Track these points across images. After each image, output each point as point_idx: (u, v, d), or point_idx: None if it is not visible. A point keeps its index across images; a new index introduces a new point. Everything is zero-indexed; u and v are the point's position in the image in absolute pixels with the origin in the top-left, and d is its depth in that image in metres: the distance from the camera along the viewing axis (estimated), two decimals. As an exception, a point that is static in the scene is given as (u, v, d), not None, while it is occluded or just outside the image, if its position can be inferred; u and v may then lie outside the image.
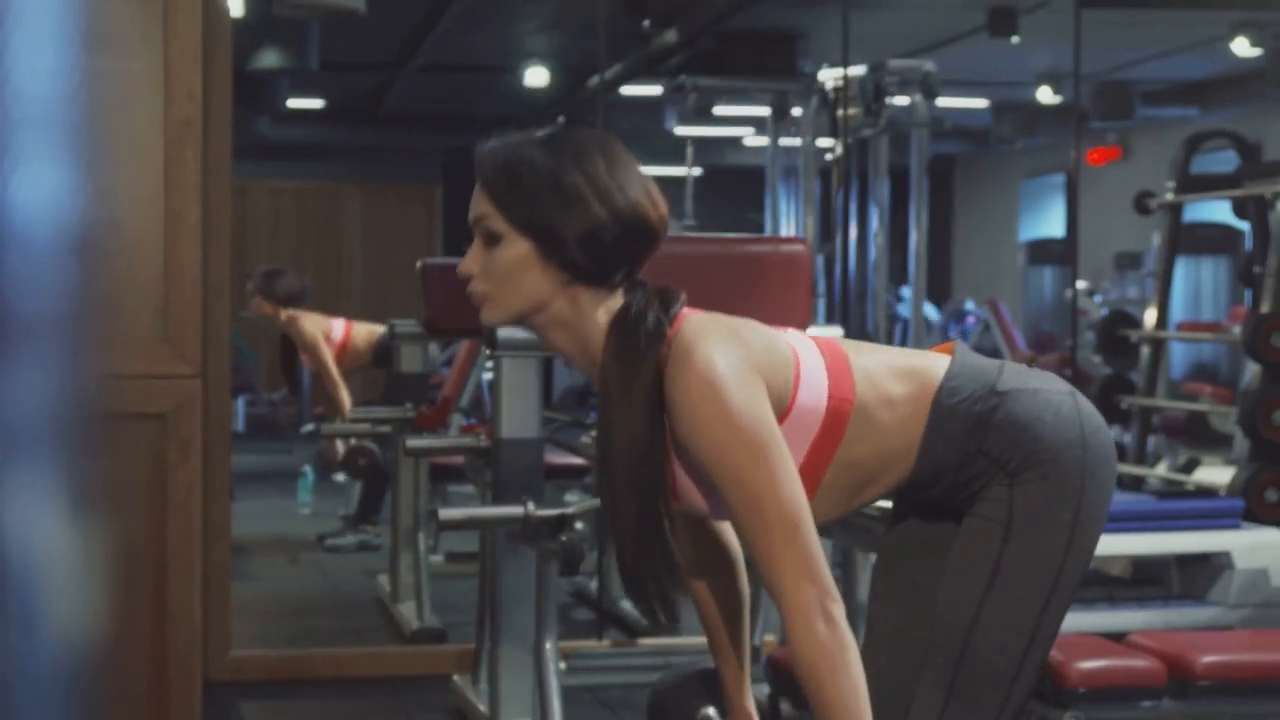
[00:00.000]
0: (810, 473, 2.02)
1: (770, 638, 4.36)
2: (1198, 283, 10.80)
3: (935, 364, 2.09)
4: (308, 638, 5.37)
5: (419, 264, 5.16)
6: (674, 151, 11.98)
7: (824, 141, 9.01)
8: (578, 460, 6.07)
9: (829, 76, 8.41)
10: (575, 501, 4.94)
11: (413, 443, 4.58)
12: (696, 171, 11.64)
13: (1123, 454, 7.62)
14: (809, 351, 2.04)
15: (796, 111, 9.24)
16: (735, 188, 13.22)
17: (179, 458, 3.52)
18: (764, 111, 9.69)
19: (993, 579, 2.03)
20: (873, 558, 4.59)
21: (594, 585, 5.77)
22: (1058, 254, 13.16)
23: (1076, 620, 4.76)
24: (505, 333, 3.79)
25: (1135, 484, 6.99)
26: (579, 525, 3.59)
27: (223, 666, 4.73)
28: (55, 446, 0.71)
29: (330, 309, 11.54)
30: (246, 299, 7.23)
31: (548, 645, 3.65)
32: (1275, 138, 11.22)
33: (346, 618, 5.84)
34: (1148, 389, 7.36)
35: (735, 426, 1.90)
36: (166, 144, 3.51)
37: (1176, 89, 12.05)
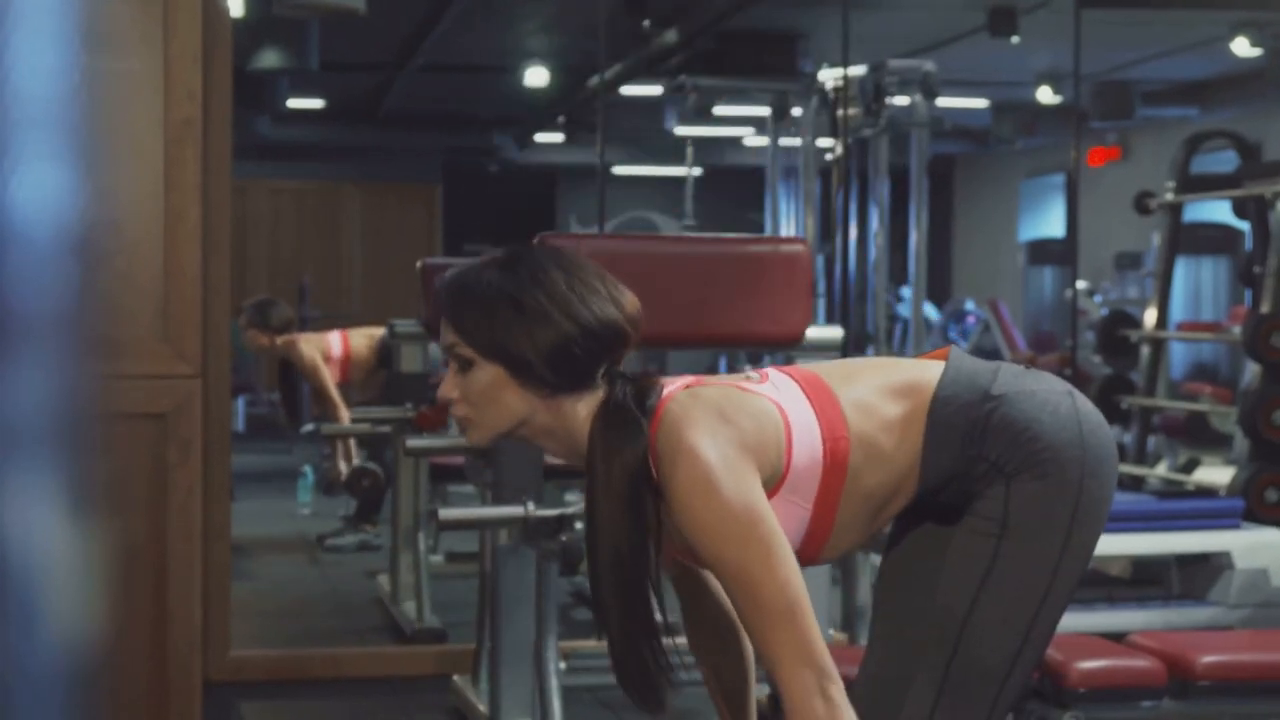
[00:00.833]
0: (823, 518, 2.04)
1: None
2: (1198, 283, 10.80)
3: (928, 375, 2.09)
4: (308, 638, 5.37)
5: (419, 264, 5.16)
6: (674, 151, 11.98)
7: (824, 141, 9.01)
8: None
9: (829, 76, 8.41)
10: (575, 501, 4.94)
11: (413, 443, 4.58)
12: (696, 171, 11.64)
13: (1123, 454, 7.62)
14: (795, 401, 2.03)
15: (796, 111, 9.24)
16: (735, 188, 13.22)
17: (179, 458, 3.52)
18: (764, 111, 9.69)
19: (987, 576, 2.04)
20: (874, 558, 4.59)
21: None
22: (1058, 254, 13.16)
23: (1076, 620, 4.76)
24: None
25: (1135, 484, 6.98)
26: (579, 525, 3.59)
27: (223, 666, 4.73)
28: (55, 446, 0.71)
29: (330, 309, 11.58)
30: (240, 330, 7.15)
31: (548, 645, 3.65)
32: (1275, 138, 11.22)
33: (346, 618, 5.84)
34: (1148, 389, 7.37)
35: (728, 518, 1.91)
36: (166, 144, 3.51)
37: (1176, 89, 12.05)
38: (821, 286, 8.85)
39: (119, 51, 3.44)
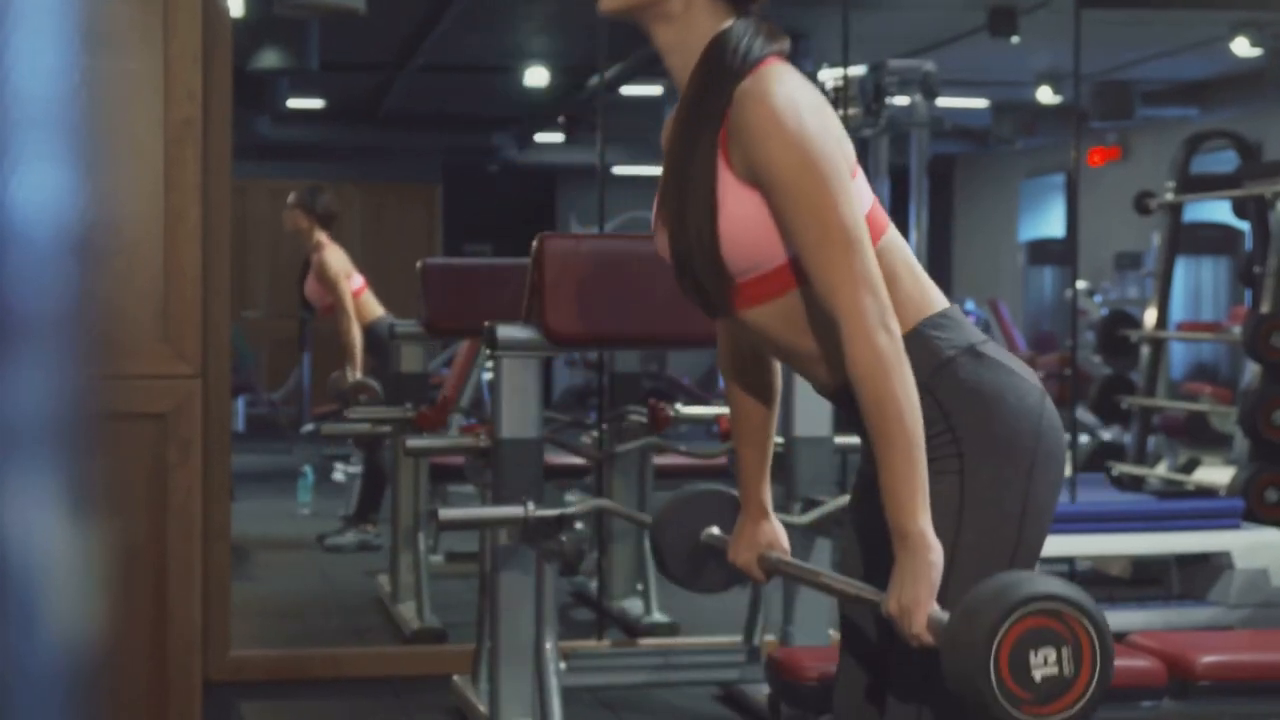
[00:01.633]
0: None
1: (771, 638, 4.36)
2: (1198, 283, 10.80)
3: (938, 299, 2.13)
4: (308, 638, 5.37)
5: (419, 264, 5.16)
6: (674, 151, 11.96)
7: (824, 141, 8.99)
8: (578, 460, 6.07)
9: (829, 76, 8.40)
10: (575, 501, 4.94)
11: (413, 443, 4.58)
12: (696, 171, 11.62)
13: (1123, 454, 7.62)
14: (862, 182, 2.10)
15: (796, 111, 9.22)
16: (735, 188, 13.20)
17: (179, 458, 3.52)
18: (764, 111, 9.67)
19: (947, 576, 2.03)
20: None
21: (594, 585, 5.77)
22: (1058, 254, 13.17)
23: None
24: (505, 333, 3.79)
25: (1135, 484, 6.98)
26: (579, 525, 3.59)
27: (223, 666, 4.73)
28: (55, 446, 0.71)
29: (330, 309, 11.56)
30: (285, 210, 7.06)
31: (548, 645, 3.65)
32: (1275, 138, 11.22)
33: (346, 618, 5.84)
34: (1148, 389, 7.36)
35: (808, 146, 1.98)
36: (166, 144, 3.51)
37: (1176, 89, 12.04)
38: (821, 286, 8.83)
39: (119, 51, 3.44)
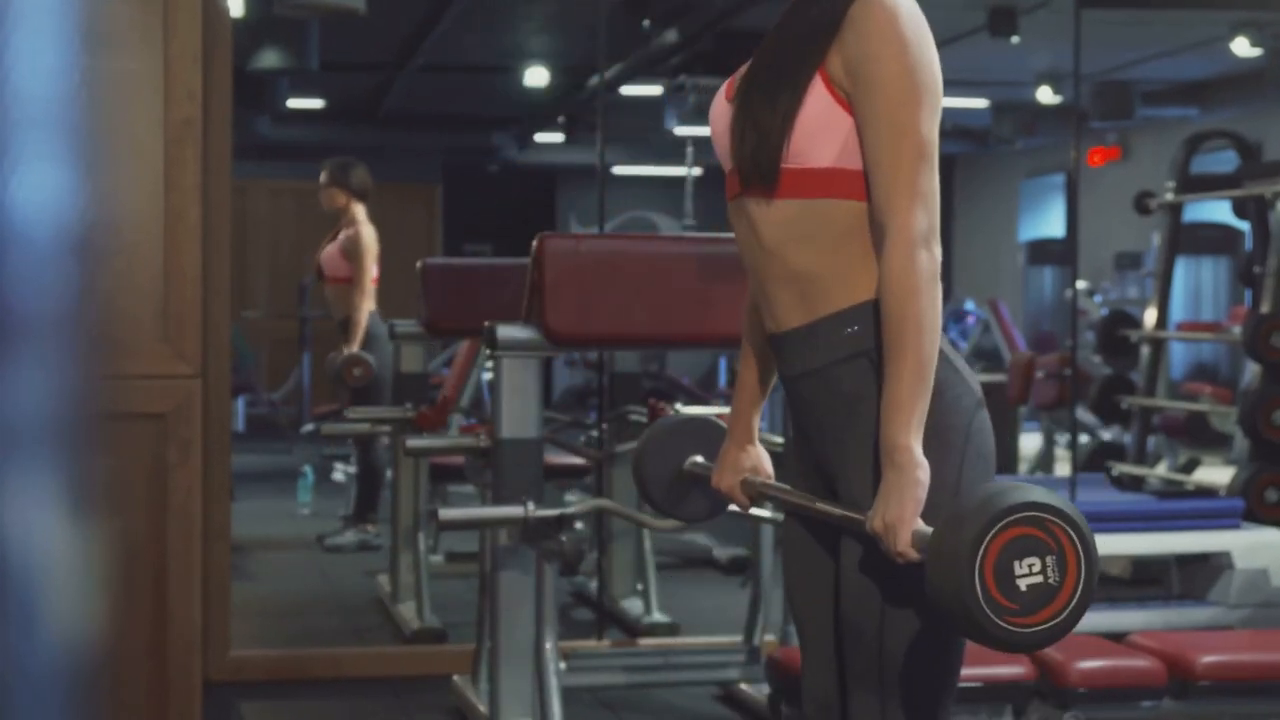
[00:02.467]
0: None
1: (770, 638, 4.36)
2: (1198, 283, 10.80)
3: None
4: (308, 638, 5.37)
5: (419, 264, 5.16)
6: (674, 151, 11.97)
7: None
8: (578, 460, 6.07)
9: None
10: (575, 501, 4.94)
11: (413, 443, 4.58)
12: (696, 171, 11.64)
13: (1123, 454, 7.62)
14: None
15: (797, 111, 9.22)
16: (735, 188, 13.19)
17: (179, 458, 3.52)
18: (764, 111, 9.66)
19: (887, 580, 2.04)
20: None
21: (594, 585, 5.77)
22: (1058, 254, 13.16)
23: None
24: (505, 333, 3.79)
25: (1135, 484, 6.98)
26: (579, 525, 3.60)
27: (223, 666, 4.73)
28: (55, 446, 0.71)
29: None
30: (320, 190, 7.04)
31: (548, 645, 3.65)
32: (1275, 138, 11.22)
33: (346, 618, 5.84)
34: (1148, 389, 7.36)
35: (917, 58, 2.04)
36: (166, 144, 3.51)
37: (1176, 89, 12.04)
38: (821, 286, 8.83)
39: (119, 51, 3.44)
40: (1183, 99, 12.04)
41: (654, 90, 10.71)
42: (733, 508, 2.46)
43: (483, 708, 4.16)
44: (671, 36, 8.97)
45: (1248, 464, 6.08)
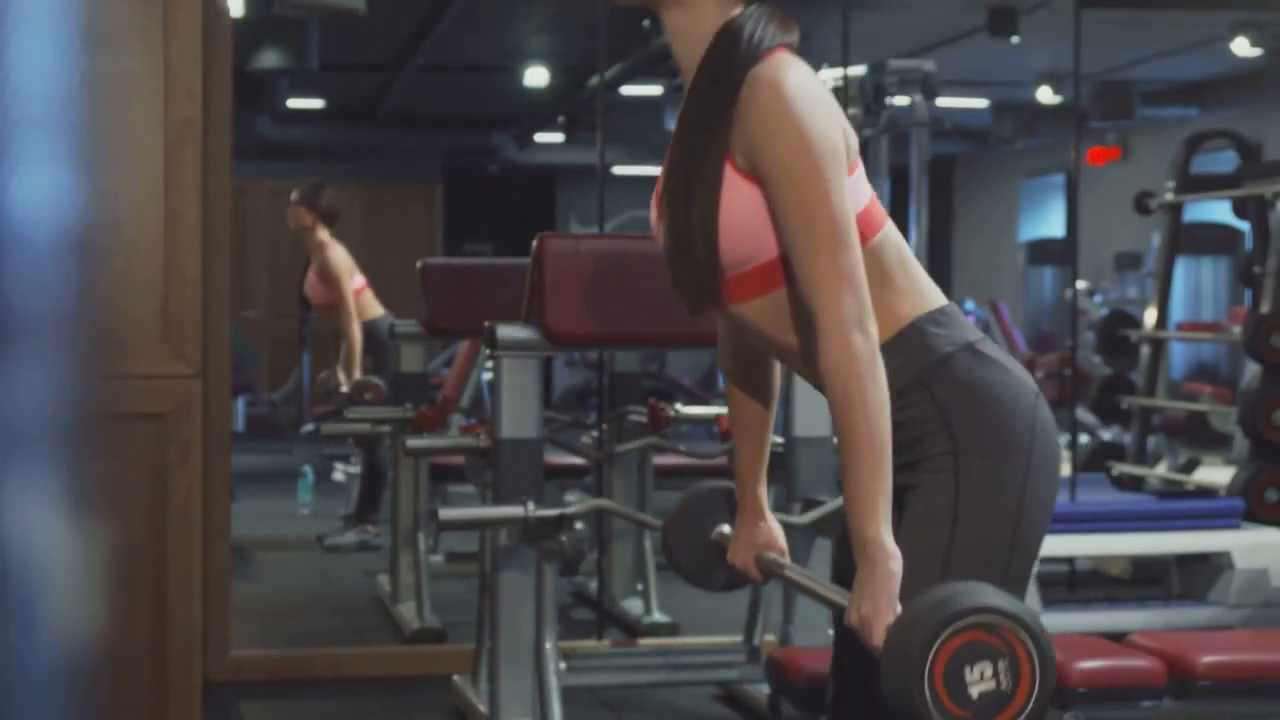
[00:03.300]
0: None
1: (770, 638, 4.36)
2: (1198, 283, 10.80)
3: (936, 294, 2.12)
4: (308, 638, 5.37)
5: (419, 264, 5.16)
6: (674, 151, 11.96)
7: (824, 141, 8.99)
8: (578, 460, 6.07)
9: (829, 76, 8.40)
10: (575, 501, 4.94)
11: (413, 443, 4.58)
12: (696, 171, 11.63)
13: (1123, 454, 7.62)
14: (861, 178, 2.09)
15: (796, 111, 9.22)
16: (735, 188, 13.19)
17: (179, 458, 3.52)
18: (764, 111, 9.66)
19: (944, 571, 2.02)
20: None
21: (594, 585, 5.77)
22: (1058, 254, 13.16)
23: (1077, 620, 4.76)
24: (505, 333, 3.79)
25: (1135, 484, 6.98)
26: (579, 525, 3.59)
27: (223, 666, 4.73)
28: (55, 446, 0.71)
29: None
30: (289, 208, 7.06)
31: (548, 645, 3.65)
32: (1275, 138, 11.22)
33: (346, 618, 5.84)
34: (1148, 389, 7.36)
35: (810, 135, 1.97)
36: (166, 144, 3.51)
37: (1176, 89, 12.04)
38: (821, 286, 8.83)
39: (119, 51, 3.44)
40: (1183, 99, 12.04)
41: (654, 90, 10.71)
42: None
43: (483, 708, 4.16)
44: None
45: (1248, 464, 6.08)
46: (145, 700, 3.49)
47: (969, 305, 13.19)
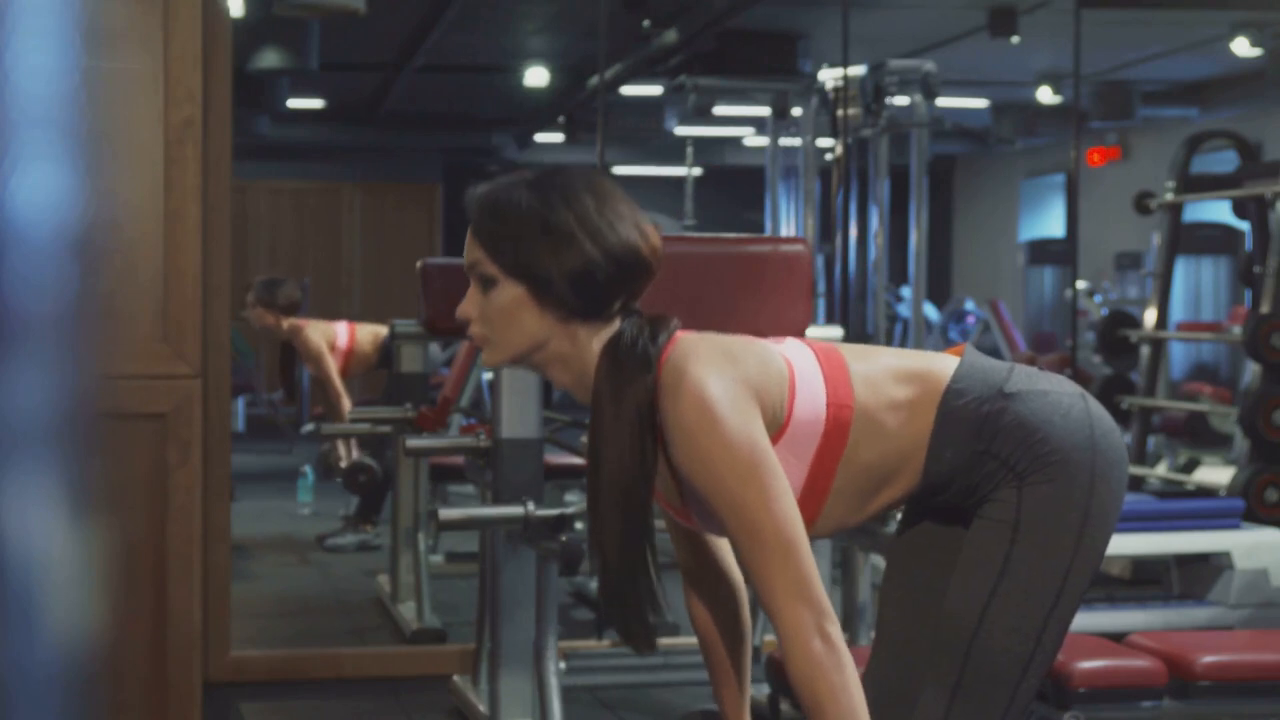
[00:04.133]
0: (818, 481, 2.04)
1: (770, 638, 4.36)
2: (1198, 283, 10.80)
3: (941, 366, 2.09)
4: (308, 638, 5.37)
5: (419, 264, 5.16)
6: (674, 151, 11.98)
7: (824, 141, 9.01)
8: (578, 460, 6.07)
9: (829, 76, 8.41)
10: (575, 501, 4.94)
11: (413, 443, 4.58)
12: (696, 171, 11.65)
13: (1123, 454, 7.62)
14: (805, 361, 2.05)
15: (796, 111, 9.24)
16: (735, 188, 13.22)
17: (179, 458, 3.52)
18: (764, 111, 9.69)
19: (999, 580, 2.03)
20: (874, 558, 4.59)
21: (594, 585, 5.76)
22: (1058, 254, 13.17)
23: (1076, 620, 4.76)
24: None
25: (1135, 484, 6.98)
26: (579, 525, 3.59)
27: (223, 666, 4.73)
28: (55, 446, 0.71)
29: (330, 309, 11.57)
30: (247, 308, 7.19)
31: (548, 645, 3.65)
32: (1275, 138, 11.22)
33: (346, 618, 5.84)
34: (1148, 389, 7.36)
35: (729, 450, 1.91)
36: (166, 144, 3.51)
37: (1176, 89, 12.05)
38: (821, 286, 8.85)
39: (119, 51, 3.44)
40: (1183, 99, 12.04)
41: (654, 90, 10.73)
42: None
43: (483, 708, 4.16)
44: (671, 36, 8.97)
45: (1248, 464, 6.09)
46: (145, 700, 3.49)
47: (969, 305, 13.19)
